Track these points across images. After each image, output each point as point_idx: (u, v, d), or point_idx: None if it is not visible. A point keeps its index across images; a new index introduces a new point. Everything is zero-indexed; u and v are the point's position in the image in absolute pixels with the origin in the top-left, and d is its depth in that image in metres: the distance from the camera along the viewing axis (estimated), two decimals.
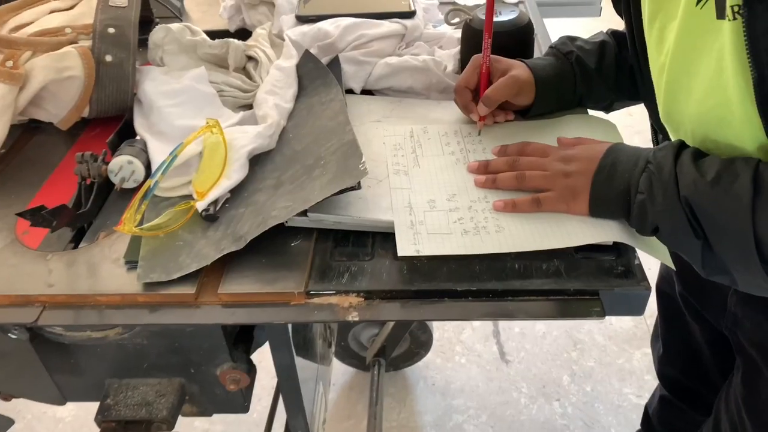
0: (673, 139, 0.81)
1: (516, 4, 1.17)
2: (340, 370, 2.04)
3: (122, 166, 0.87)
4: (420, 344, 1.96)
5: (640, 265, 0.76)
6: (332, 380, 2.01)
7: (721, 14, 0.64)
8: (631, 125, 2.61)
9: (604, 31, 1.01)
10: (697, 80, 0.70)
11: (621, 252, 0.77)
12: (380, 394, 1.74)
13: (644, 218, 0.73)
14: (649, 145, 0.87)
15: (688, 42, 0.70)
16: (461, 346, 2.12)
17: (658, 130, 0.90)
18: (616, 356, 2.07)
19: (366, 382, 1.96)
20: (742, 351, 0.96)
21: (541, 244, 0.76)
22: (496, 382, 2.00)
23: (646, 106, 0.91)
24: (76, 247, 0.83)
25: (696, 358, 1.20)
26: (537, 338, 2.13)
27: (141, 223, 0.80)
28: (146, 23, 1.23)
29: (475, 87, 0.96)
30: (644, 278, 0.74)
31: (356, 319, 0.72)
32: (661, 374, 1.34)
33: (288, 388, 0.94)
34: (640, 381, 1.99)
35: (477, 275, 0.75)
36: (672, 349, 1.28)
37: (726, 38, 0.64)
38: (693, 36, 0.69)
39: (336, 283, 0.75)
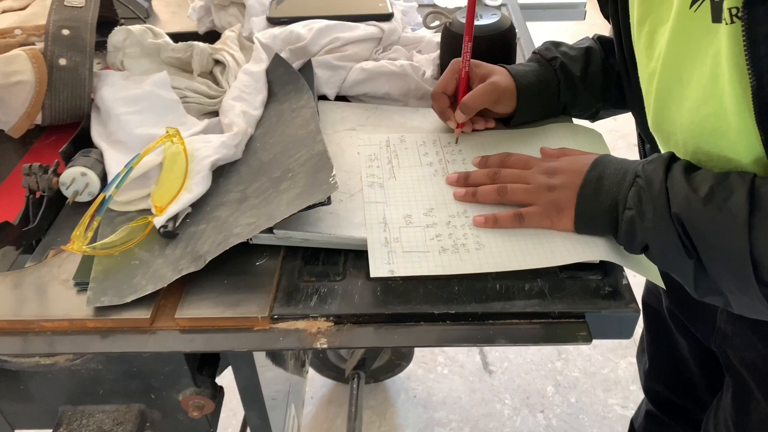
0: (662, 151, 0.76)
1: (498, 7, 1.13)
2: (318, 383, 1.99)
3: (75, 178, 0.81)
4: (401, 355, 1.91)
5: (628, 285, 0.71)
6: (310, 394, 1.96)
7: (717, 17, 0.60)
8: (615, 129, 2.58)
9: (590, 36, 0.97)
10: (691, 88, 0.66)
11: (608, 271, 0.73)
12: (360, 408, 1.69)
13: (633, 235, 0.68)
14: (635, 150, 0.82)
15: (680, 47, 0.66)
16: (443, 356, 2.07)
17: (646, 140, 0.86)
18: (601, 366, 2.03)
19: (345, 396, 1.91)
20: (731, 369, 0.92)
21: (524, 263, 0.72)
22: (479, 394, 1.96)
23: (634, 115, 0.86)
24: (22, 266, 0.77)
25: (683, 374, 1.16)
26: (521, 348, 2.08)
27: (94, 240, 0.74)
28: (110, 24, 1.17)
29: (453, 92, 0.92)
30: (633, 299, 0.70)
31: (324, 346, 0.67)
32: (647, 389, 1.30)
33: (254, 416, 0.88)
34: (625, 391, 1.95)
35: (456, 297, 0.70)
36: (658, 364, 1.23)
37: (722, 43, 0.60)
38: (686, 41, 0.65)
39: (303, 306, 0.70)
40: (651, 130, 0.77)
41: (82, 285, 0.72)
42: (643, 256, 0.70)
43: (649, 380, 1.28)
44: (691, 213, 0.63)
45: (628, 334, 0.71)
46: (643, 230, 0.67)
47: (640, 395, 1.37)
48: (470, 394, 1.95)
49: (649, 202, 0.66)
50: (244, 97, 0.94)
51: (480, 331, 0.68)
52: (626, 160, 0.73)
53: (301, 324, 0.69)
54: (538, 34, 1.21)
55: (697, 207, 0.63)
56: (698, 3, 0.62)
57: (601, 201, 0.71)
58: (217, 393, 0.83)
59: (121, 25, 1.16)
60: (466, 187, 0.81)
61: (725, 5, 0.58)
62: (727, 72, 0.60)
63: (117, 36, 0.97)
